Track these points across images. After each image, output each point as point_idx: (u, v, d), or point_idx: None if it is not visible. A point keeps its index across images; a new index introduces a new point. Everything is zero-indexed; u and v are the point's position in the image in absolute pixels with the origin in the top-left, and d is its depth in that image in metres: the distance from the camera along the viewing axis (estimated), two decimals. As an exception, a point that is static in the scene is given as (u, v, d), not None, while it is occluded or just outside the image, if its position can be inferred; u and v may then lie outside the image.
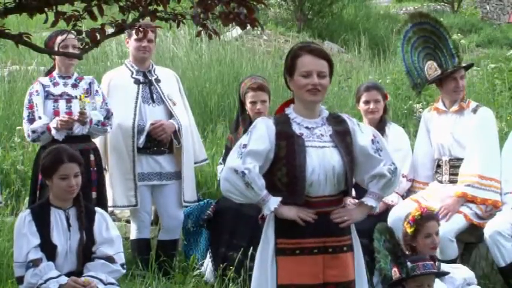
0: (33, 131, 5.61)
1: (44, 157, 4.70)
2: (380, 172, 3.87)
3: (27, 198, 6.83)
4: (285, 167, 3.76)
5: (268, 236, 3.85)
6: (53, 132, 5.55)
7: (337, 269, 3.80)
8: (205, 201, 6.23)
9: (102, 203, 5.67)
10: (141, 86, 6.04)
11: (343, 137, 3.86)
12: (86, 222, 4.61)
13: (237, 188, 3.76)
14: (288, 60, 3.90)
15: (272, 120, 3.87)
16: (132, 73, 6.07)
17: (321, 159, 3.77)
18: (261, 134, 3.81)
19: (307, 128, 3.84)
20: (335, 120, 3.91)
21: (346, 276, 3.83)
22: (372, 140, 3.91)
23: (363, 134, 3.92)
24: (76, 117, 5.57)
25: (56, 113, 5.64)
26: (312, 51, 3.86)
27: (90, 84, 5.85)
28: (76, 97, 5.72)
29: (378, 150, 3.91)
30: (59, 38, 5.43)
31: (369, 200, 3.91)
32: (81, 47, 3.68)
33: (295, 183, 3.75)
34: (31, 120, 5.64)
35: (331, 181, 3.79)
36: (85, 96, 5.67)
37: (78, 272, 4.55)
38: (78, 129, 5.61)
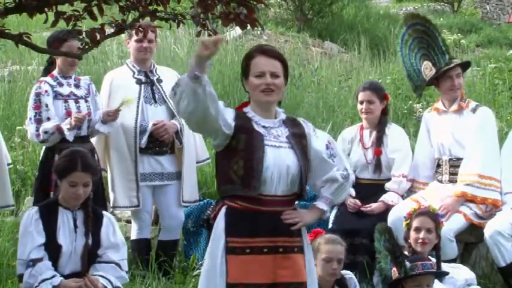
0: (45, 132, 5.56)
1: (60, 158, 4.69)
2: (333, 177, 3.92)
3: (27, 198, 6.84)
4: (242, 160, 3.77)
5: (218, 234, 3.82)
6: (66, 132, 5.54)
7: (289, 269, 3.80)
8: (205, 201, 6.23)
9: (99, 203, 5.65)
10: (143, 86, 6.03)
11: (299, 140, 3.89)
12: (93, 226, 4.61)
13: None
14: (243, 62, 3.93)
15: (234, 113, 3.88)
16: (134, 73, 6.06)
17: (277, 158, 3.79)
18: (229, 109, 3.84)
19: (264, 127, 3.86)
20: (292, 123, 3.96)
21: (297, 276, 3.82)
22: (327, 146, 3.95)
23: (318, 139, 3.96)
24: (83, 115, 5.60)
25: (69, 113, 5.63)
26: (265, 52, 3.89)
27: (89, 85, 5.86)
28: (82, 97, 5.75)
29: (332, 156, 3.94)
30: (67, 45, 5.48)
31: (320, 204, 3.94)
32: (81, 47, 3.68)
33: (251, 176, 3.75)
34: (38, 120, 5.60)
35: (284, 181, 3.80)
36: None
37: (81, 274, 4.53)
38: (102, 128, 5.70)
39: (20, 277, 4.53)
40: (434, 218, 5.15)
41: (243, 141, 3.79)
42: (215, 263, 3.79)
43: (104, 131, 5.76)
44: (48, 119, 5.60)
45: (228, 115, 3.79)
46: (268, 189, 3.79)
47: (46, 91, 5.64)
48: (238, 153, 3.78)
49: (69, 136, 5.55)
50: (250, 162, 3.76)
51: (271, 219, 3.80)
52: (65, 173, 4.54)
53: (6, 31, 3.62)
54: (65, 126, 5.55)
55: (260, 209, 3.80)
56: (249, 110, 3.90)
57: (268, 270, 3.78)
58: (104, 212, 4.81)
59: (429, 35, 6.00)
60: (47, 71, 5.86)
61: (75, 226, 4.59)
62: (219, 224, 3.84)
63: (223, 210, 3.85)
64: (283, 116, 3.96)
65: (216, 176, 3.98)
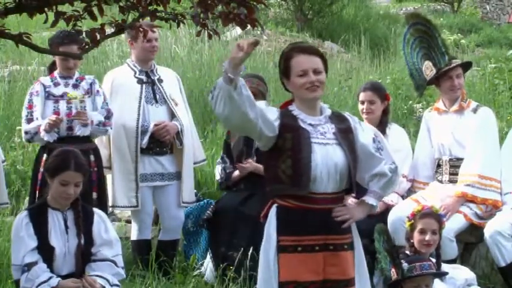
0: (26, 132, 5.63)
1: (52, 156, 4.68)
2: (381, 171, 3.93)
3: (27, 198, 6.85)
4: (290, 159, 3.78)
5: (270, 233, 3.86)
6: (42, 134, 5.53)
7: (337, 267, 3.83)
8: (205, 201, 6.23)
9: (103, 203, 5.67)
10: (144, 85, 6.03)
11: (346, 135, 3.89)
12: (85, 224, 4.59)
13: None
14: (282, 63, 3.93)
15: (277, 112, 3.87)
16: (135, 73, 6.06)
17: (324, 156, 3.80)
18: (272, 109, 3.86)
19: (310, 124, 3.86)
20: (338, 119, 3.95)
21: (345, 274, 3.86)
22: (373, 139, 3.97)
23: (364, 132, 3.97)
24: (63, 118, 5.57)
25: (57, 114, 5.63)
26: (304, 49, 3.90)
27: (91, 84, 5.85)
28: (76, 98, 5.73)
29: (379, 150, 3.97)
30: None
31: (369, 199, 3.95)
32: (81, 47, 3.69)
33: (300, 175, 3.77)
34: (29, 120, 5.64)
35: (333, 178, 3.81)
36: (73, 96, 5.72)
37: (77, 274, 4.52)
38: (80, 131, 5.62)
39: (17, 283, 4.52)
40: (438, 219, 5.15)
41: (289, 139, 3.79)
42: (268, 262, 3.83)
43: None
44: (37, 119, 5.62)
45: (271, 115, 3.78)
46: (318, 187, 3.80)
47: (37, 91, 5.69)
48: (286, 152, 3.79)
49: (47, 137, 5.53)
50: (298, 161, 3.76)
51: (323, 216, 3.82)
52: (57, 171, 4.52)
53: (6, 31, 3.62)
54: (41, 128, 5.55)
55: (312, 207, 3.81)
56: (294, 108, 3.90)
57: (319, 268, 3.80)
58: (95, 209, 4.77)
59: (430, 35, 6.00)
60: (50, 70, 5.90)
61: (66, 227, 4.57)
62: (271, 223, 3.85)
63: (273, 209, 3.86)
64: (328, 111, 3.95)
65: (265, 175, 3.98)
